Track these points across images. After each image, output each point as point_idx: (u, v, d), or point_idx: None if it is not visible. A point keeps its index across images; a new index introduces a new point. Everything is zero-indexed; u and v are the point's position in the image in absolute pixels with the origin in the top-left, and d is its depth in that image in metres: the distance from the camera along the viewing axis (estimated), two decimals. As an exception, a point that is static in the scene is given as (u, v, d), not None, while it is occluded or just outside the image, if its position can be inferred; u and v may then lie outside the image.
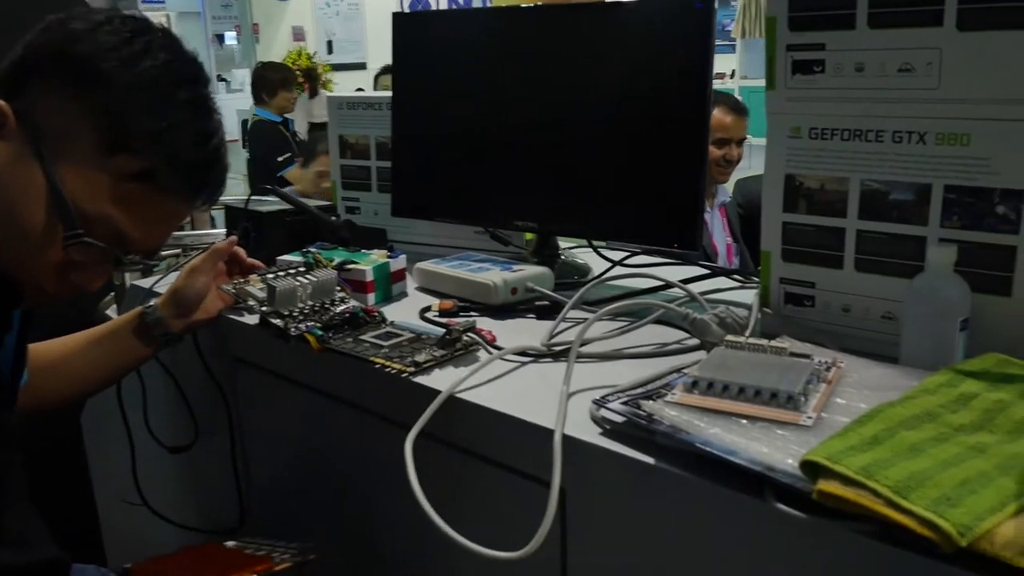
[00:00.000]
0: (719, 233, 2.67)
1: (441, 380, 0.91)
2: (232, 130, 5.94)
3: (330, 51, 8.53)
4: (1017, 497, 0.58)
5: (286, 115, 4.66)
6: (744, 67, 9.13)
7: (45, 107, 0.82)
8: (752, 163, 2.89)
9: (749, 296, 1.07)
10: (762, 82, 0.98)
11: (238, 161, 4.85)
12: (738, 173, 2.80)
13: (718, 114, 2.58)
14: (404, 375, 0.93)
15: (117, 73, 0.83)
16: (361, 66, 8.21)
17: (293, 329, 1.04)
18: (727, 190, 2.82)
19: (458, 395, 0.89)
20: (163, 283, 1.31)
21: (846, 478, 0.61)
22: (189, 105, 0.87)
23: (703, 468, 0.70)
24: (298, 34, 8.57)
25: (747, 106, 2.76)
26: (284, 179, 4.37)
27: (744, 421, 0.72)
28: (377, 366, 0.95)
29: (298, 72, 6.92)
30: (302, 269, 1.14)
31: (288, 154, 4.38)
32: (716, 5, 1.09)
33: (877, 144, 0.91)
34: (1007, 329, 0.86)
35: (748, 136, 2.75)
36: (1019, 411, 0.69)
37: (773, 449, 0.68)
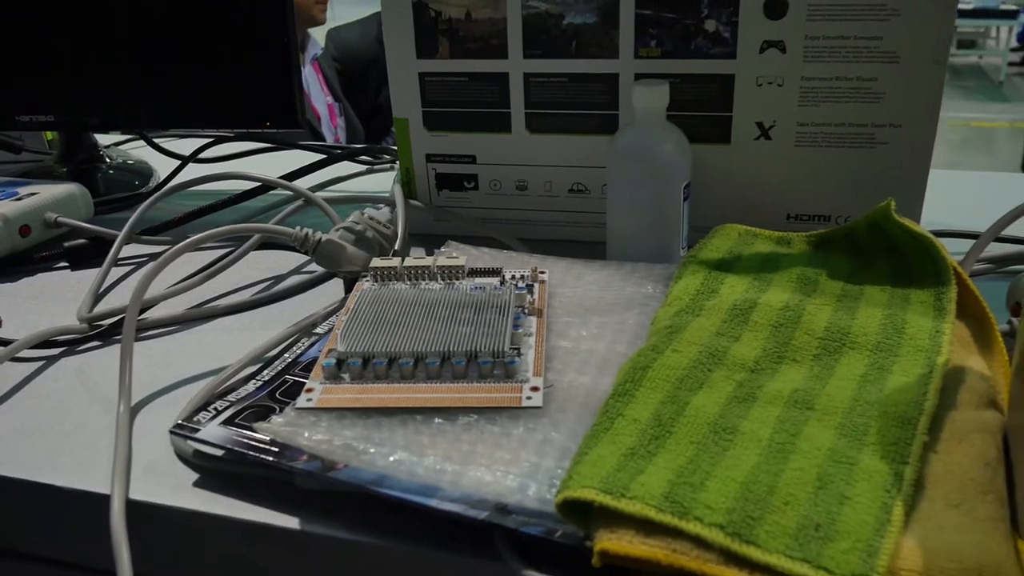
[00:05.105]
0: (317, 93, 2.29)
1: None
2: None
3: None
4: (893, 488, 0.36)
5: None
6: None
7: None
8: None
9: (384, 183, 0.77)
10: None
11: None
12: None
13: None
14: None
15: None
16: None
17: None
18: (318, 41, 2.43)
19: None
20: None
21: (644, 521, 0.35)
22: None
23: (399, 521, 0.41)
24: None
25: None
26: None
27: (439, 420, 0.43)
28: None
29: None
30: None
31: None
32: None
33: (538, -56, 0.62)
34: (725, 188, 0.65)
35: None
36: (817, 319, 0.48)
37: (497, 468, 0.40)
